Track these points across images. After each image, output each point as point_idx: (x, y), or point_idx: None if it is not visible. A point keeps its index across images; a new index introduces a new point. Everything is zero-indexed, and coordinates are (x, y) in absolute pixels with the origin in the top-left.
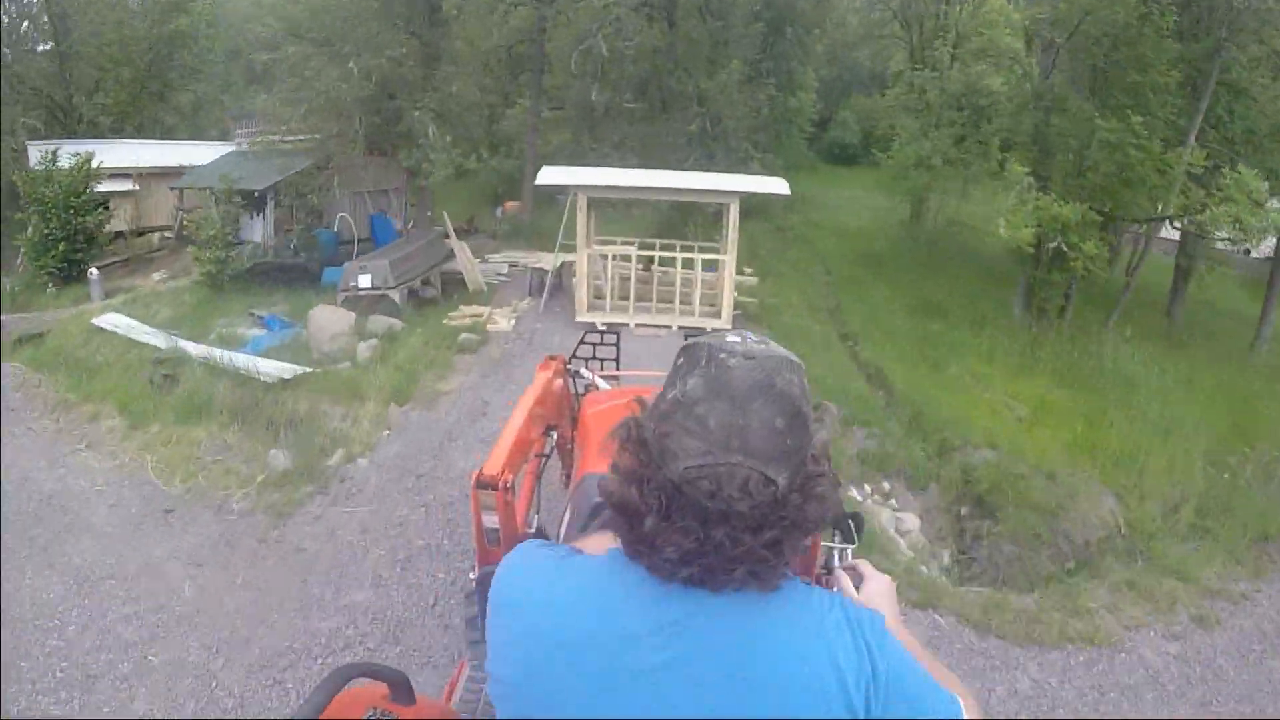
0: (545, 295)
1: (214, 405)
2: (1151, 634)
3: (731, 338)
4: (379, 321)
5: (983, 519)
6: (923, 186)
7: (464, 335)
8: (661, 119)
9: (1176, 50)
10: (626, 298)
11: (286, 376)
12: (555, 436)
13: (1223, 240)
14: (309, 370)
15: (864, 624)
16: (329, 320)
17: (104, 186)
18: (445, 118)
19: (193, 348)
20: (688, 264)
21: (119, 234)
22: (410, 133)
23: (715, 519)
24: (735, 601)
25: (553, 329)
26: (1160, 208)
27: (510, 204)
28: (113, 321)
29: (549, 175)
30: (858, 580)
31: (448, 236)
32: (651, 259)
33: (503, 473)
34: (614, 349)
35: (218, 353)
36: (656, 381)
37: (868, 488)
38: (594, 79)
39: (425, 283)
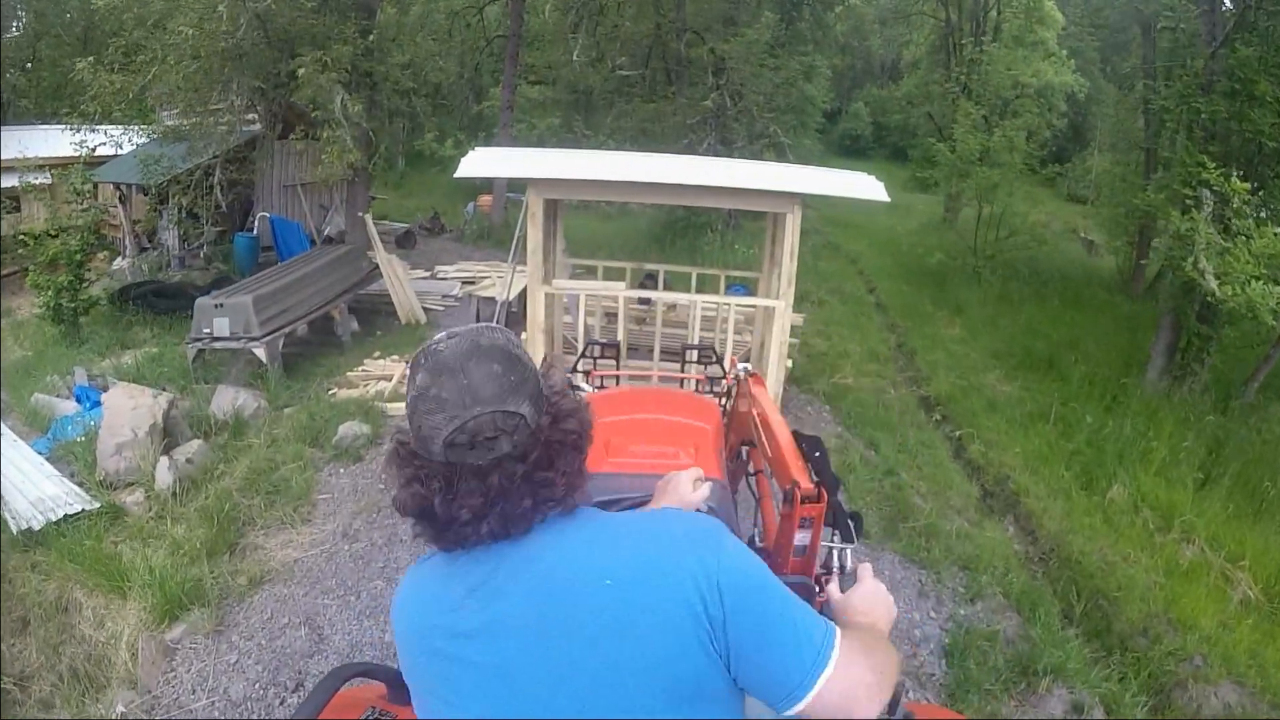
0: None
1: None
2: None
3: (438, 335)
4: (225, 398)
5: None
6: (990, 186)
7: (346, 427)
8: (669, 93)
9: None
10: (614, 354)
11: (35, 525)
12: None
13: None
14: (76, 509)
15: (696, 528)
16: (124, 410)
17: (11, 181)
18: (373, 84)
19: None
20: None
21: (34, 237)
22: (315, 103)
23: (487, 469)
24: (531, 543)
25: None
26: None
27: (485, 199)
28: None
29: (476, 162)
30: (850, 582)
31: (372, 247)
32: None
33: None
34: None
35: (7, 446)
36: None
37: None
38: (578, 37)
39: (324, 320)
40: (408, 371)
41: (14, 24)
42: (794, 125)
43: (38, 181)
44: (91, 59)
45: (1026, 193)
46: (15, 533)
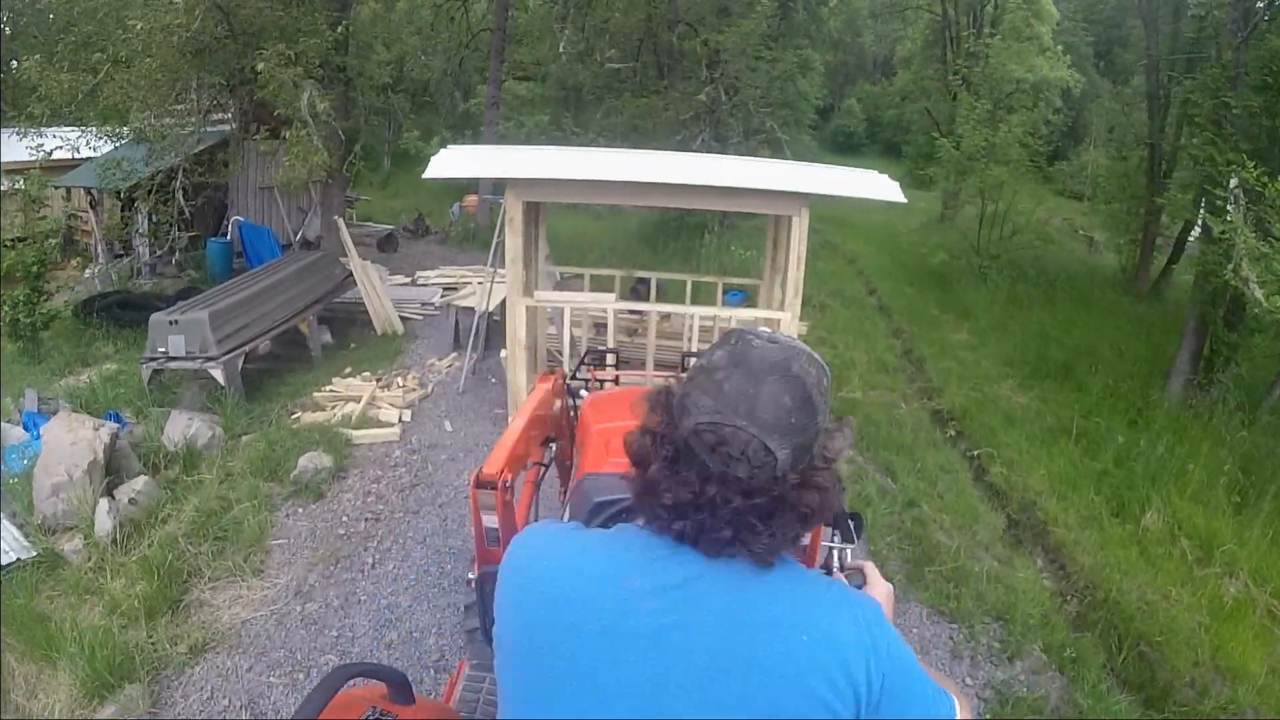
0: (472, 354)
1: None
2: None
3: (764, 327)
4: (178, 425)
5: None
6: (995, 185)
7: (306, 459)
8: (660, 88)
9: None
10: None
11: None
12: (555, 448)
13: None
14: (10, 559)
15: (862, 606)
16: (62, 445)
17: None
18: (347, 80)
19: None
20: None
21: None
22: (279, 101)
23: (714, 478)
24: (734, 571)
25: (476, 433)
26: None
27: (471, 199)
28: None
29: (447, 162)
30: (859, 583)
31: (346, 253)
32: (643, 304)
33: (502, 472)
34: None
35: None
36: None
37: None
38: (564, 27)
39: (295, 331)
40: (714, 343)
41: None
42: (788, 121)
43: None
44: (38, 56)
45: (1030, 190)
46: None
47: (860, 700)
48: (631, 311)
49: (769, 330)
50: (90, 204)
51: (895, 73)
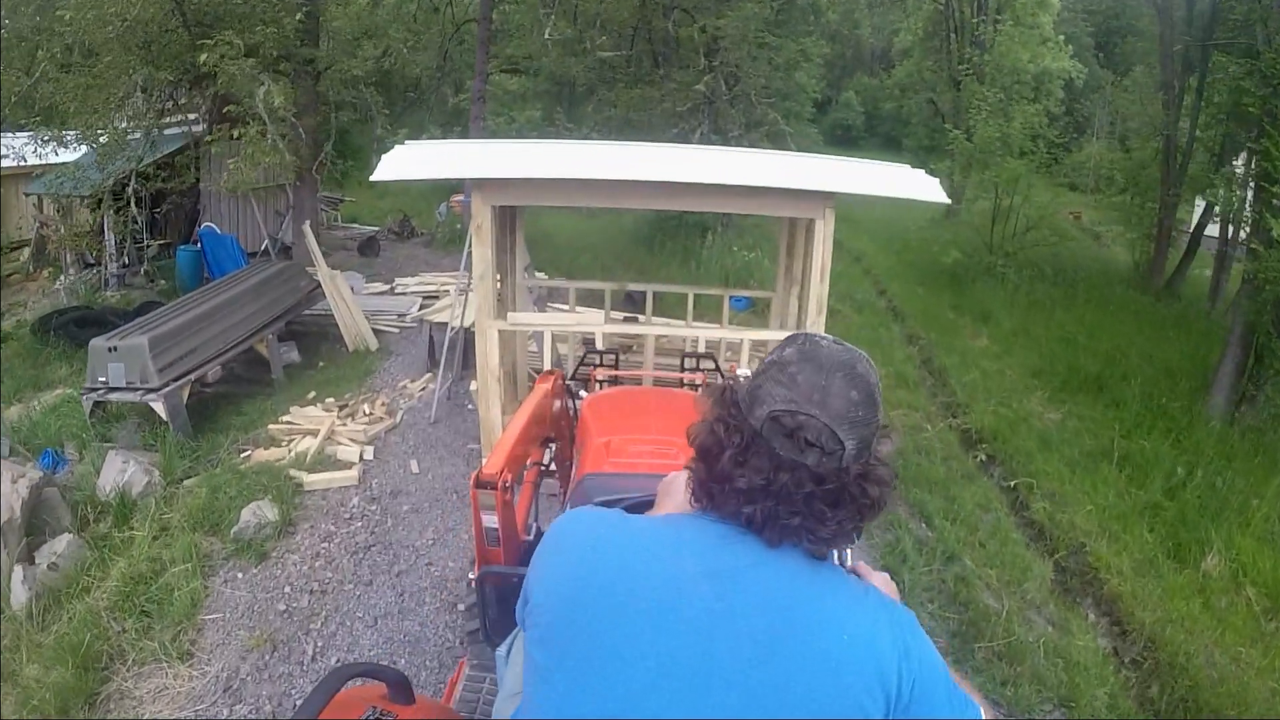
0: (446, 375)
1: None
2: None
3: (824, 333)
4: (113, 470)
5: None
6: (1012, 178)
7: (250, 511)
8: (655, 78)
9: None
10: (613, 362)
11: None
12: (554, 449)
13: None
14: None
15: (899, 612)
16: None
17: None
18: (312, 74)
19: None
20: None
21: None
22: (232, 96)
23: (784, 465)
24: (786, 564)
25: (445, 475)
26: None
27: (458, 199)
28: None
29: (398, 162)
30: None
31: (314, 263)
32: (638, 326)
33: (502, 472)
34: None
35: None
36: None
37: None
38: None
39: (250, 355)
40: (782, 343)
41: None
42: (789, 113)
43: None
44: None
45: (1043, 184)
46: None
47: (891, 701)
48: (627, 318)
49: (830, 335)
50: (57, 212)
51: (893, 65)
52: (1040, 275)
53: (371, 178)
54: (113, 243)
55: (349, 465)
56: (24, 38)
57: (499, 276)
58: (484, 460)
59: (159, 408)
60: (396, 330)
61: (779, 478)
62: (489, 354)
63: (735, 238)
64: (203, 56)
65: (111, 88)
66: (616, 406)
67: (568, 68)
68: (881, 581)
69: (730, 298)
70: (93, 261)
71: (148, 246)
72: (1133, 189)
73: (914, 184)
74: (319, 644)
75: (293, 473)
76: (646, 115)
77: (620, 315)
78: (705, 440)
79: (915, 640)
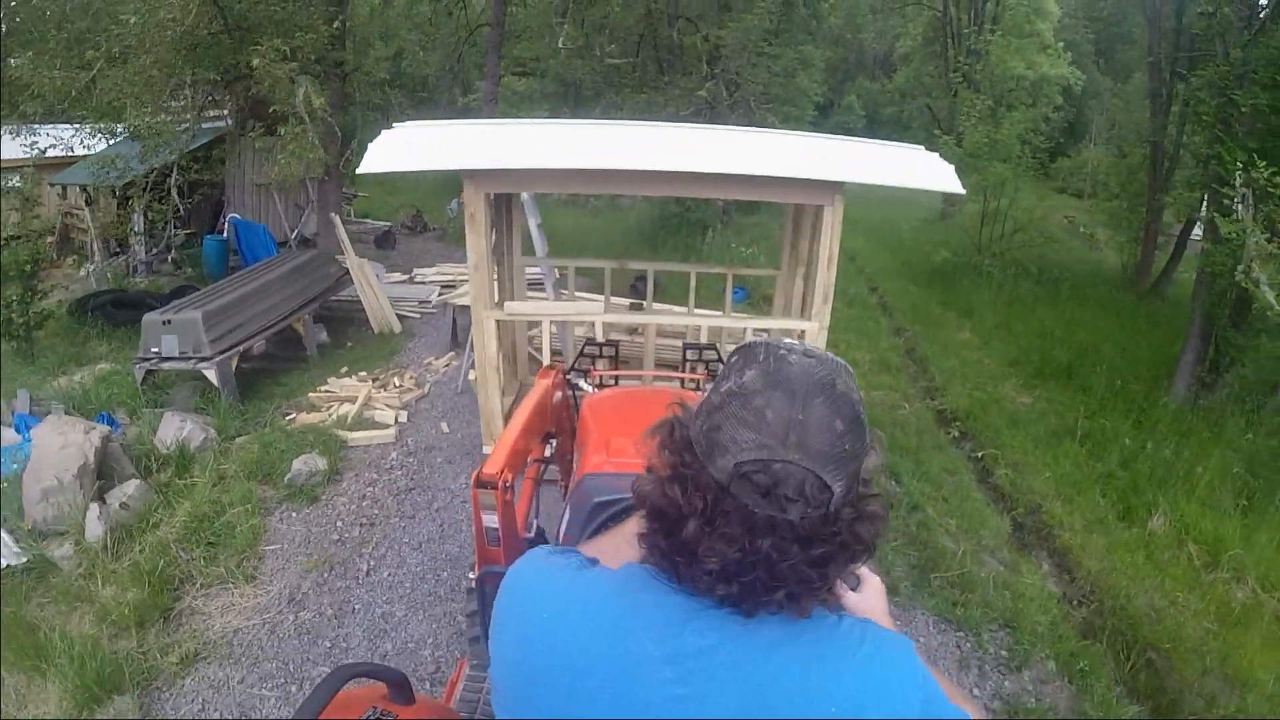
0: (470, 353)
1: None
2: None
3: (788, 339)
4: (171, 427)
5: None
6: (997, 182)
7: (300, 462)
8: (659, 83)
9: None
10: (612, 355)
11: None
12: (555, 444)
13: None
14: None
15: (894, 660)
16: (52, 449)
17: None
18: (340, 75)
19: None
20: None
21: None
22: (275, 97)
23: (762, 528)
24: (760, 636)
25: (473, 435)
26: None
27: None
28: None
29: (385, 153)
30: (854, 584)
31: (342, 251)
32: (640, 315)
33: (502, 472)
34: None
35: None
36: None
37: None
38: (563, 23)
39: (284, 335)
40: (733, 356)
41: None
42: (789, 118)
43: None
44: (31, 54)
45: (1031, 187)
46: None
47: None
48: (633, 305)
49: (795, 341)
50: (85, 202)
51: (895, 69)
52: (1025, 274)
53: (358, 170)
54: (144, 231)
55: (386, 426)
56: (81, 37)
57: (495, 264)
58: (485, 454)
59: (211, 375)
60: (418, 315)
61: (759, 545)
62: (486, 344)
63: (734, 235)
64: (255, 61)
65: (159, 85)
66: (617, 406)
67: (575, 70)
68: (875, 589)
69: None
70: (118, 250)
71: (175, 235)
72: (1124, 194)
73: (927, 172)
74: (371, 564)
75: (335, 432)
76: (651, 118)
77: (626, 301)
78: (658, 502)
79: (911, 686)
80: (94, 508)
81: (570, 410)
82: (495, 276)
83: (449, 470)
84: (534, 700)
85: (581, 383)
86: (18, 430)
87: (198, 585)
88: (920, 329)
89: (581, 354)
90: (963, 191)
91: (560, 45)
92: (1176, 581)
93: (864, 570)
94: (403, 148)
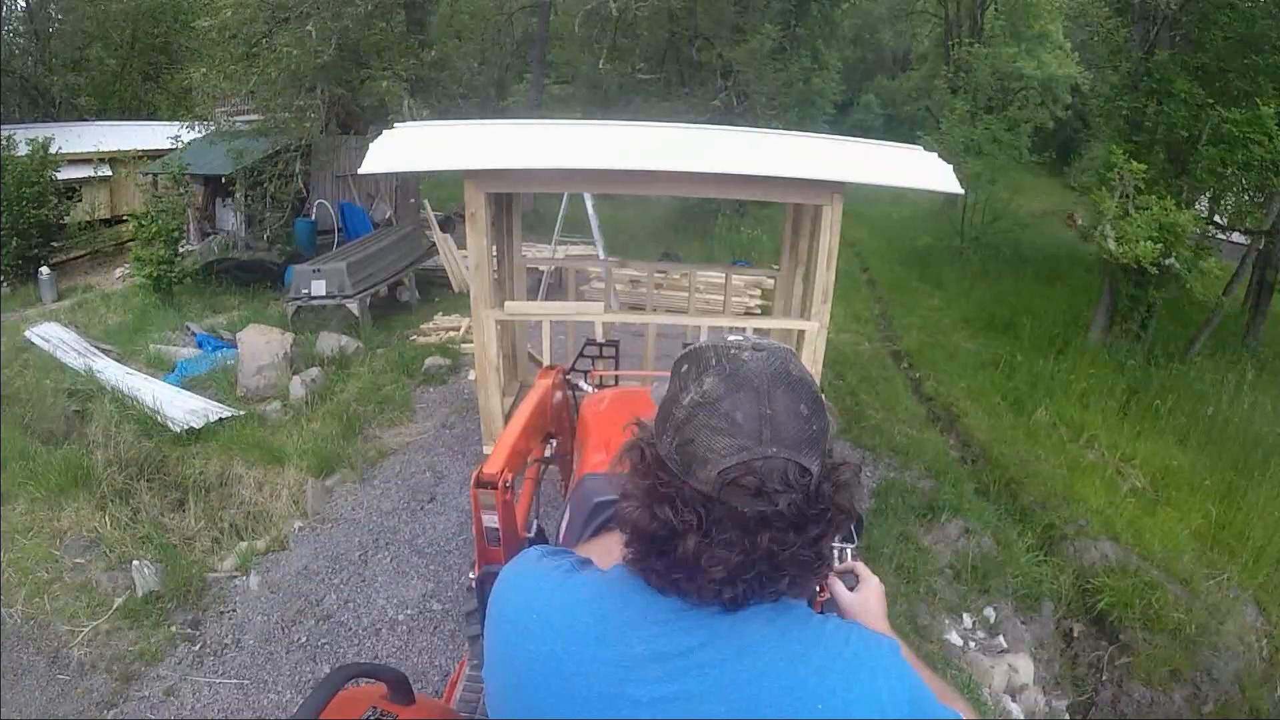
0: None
1: (95, 471)
2: None
3: (730, 336)
4: (329, 341)
5: (1102, 640)
6: (974, 175)
7: (431, 360)
8: (679, 93)
9: None
10: (612, 354)
11: (196, 425)
12: (555, 444)
13: None
14: (226, 414)
15: (881, 661)
16: (259, 344)
17: (75, 173)
18: (429, 89)
19: (115, 371)
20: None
21: (89, 224)
22: (383, 106)
23: (756, 525)
24: (749, 632)
25: (555, 355)
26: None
27: None
28: (46, 333)
29: (386, 153)
30: (852, 583)
31: (429, 228)
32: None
33: (502, 472)
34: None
35: (140, 381)
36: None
37: (968, 620)
38: (602, 46)
39: (398, 285)
40: (682, 365)
41: (53, 24)
42: (803, 118)
43: (99, 175)
44: (204, 70)
45: (1013, 181)
46: (179, 432)
47: None
48: (665, 255)
49: (738, 337)
50: (179, 192)
51: (913, 67)
52: (997, 255)
53: (360, 170)
54: (244, 210)
55: None
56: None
57: (495, 262)
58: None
59: (353, 308)
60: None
61: (759, 542)
62: (486, 344)
63: (740, 220)
64: (384, 84)
65: (292, 94)
66: (617, 406)
67: (608, 82)
68: (874, 590)
69: (734, 261)
70: (209, 230)
71: (270, 217)
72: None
73: (926, 172)
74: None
75: (450, 345)
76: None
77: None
78: (647, 526)
79: (899, 685)
80: (295, 378)
81: (570, 410)
82: (495, 276)
83: (530, 373)
84: (525, 701)
85: (581, 383)
86: (200, 346)
87: (374, 424)
88: (895, 296)
89: (581, 354)
90: (960, 191)
91: (601, 66)
92: (1044, 448)
93: (863, 571)
94: (404, 148)
